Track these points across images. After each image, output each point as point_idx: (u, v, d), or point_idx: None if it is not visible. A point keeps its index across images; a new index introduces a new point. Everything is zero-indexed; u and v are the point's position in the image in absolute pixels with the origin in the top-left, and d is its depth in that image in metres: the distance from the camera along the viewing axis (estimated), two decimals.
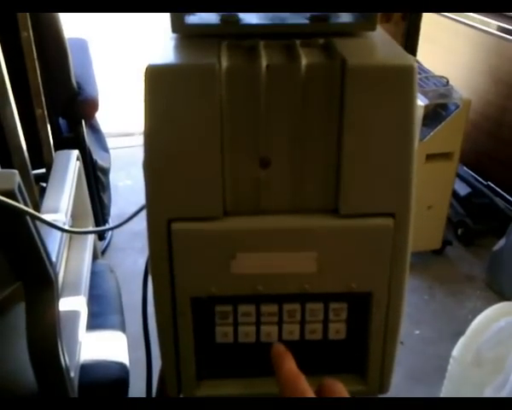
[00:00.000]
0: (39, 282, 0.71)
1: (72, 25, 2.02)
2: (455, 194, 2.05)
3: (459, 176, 2.09)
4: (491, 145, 2.21)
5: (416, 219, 0.37)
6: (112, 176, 1.96)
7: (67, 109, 1.64)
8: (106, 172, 1.86)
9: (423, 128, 1.77)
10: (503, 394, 0.93)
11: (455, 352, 1.08)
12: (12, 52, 1.17)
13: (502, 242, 1.82)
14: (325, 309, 0.39)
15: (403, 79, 0.34)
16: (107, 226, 1.82)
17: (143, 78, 0.33)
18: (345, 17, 0.38)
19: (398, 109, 0.34)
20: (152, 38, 0.40)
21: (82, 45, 1.96)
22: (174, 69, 0.34)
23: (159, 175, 0.35)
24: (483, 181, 2.20)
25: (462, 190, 2.13)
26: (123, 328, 1.02)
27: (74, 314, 0.89)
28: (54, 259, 0.74)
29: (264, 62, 0.33)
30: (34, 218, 0.64)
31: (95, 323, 0.98)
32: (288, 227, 0.36)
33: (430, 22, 2.22)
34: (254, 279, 0.37)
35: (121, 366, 0.92)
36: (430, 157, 1.78)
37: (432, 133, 1.76)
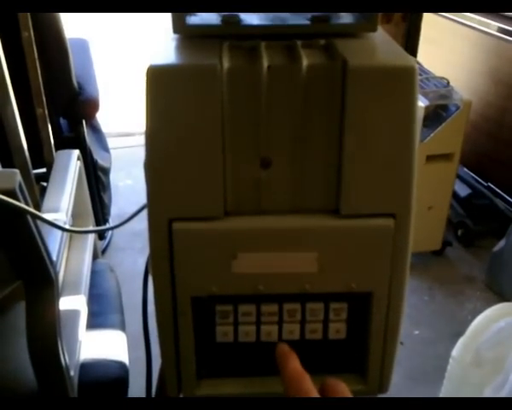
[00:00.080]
0: (40, 281, 0.71)
1: (72, 25, 2.02)
2: (455, 195, 2.05)
3: (459, 177, 2.09)
4: (491, 146, 2.21)
5: (417, 219, 0.37)
6: (112, 176, 1.96)
7: (68, 109, 1.64)
8: (106, 171, 1.86)
9: (424, 129, 1.77)
10: (503, 394, 0.93)
11: (454, 352, 1.08)
12: (13, 52, 1.17)
13: (502, 243, 1.82)
14: (325, 309, 0.39)
15: (403, 79, 0.34)
16: (107, 226, 1.82)
17: (145, 78, 0.33)
18: (346, 18, 0.38)
19: (398, 110, 0.34)
20: (153, 39, 0.40)
21: (83, 45, 1.97)
22: (175, 70, 0.34)
23: (160, 175, 0.35)
24: (483, 182, 2.20)
25: (463, 191, 2.13)
26: (123, 327, 1.02)
27: (74, 313, 0.89)
28: (54, 258, 0.74)
29: (265, 63, 0.34)
30: (35, 217, 0.64)
31: (95, 322, 0.98)
32: (288, 227, 0.36)
33: (430, 23, 2.22)
34: (255, 279, 0.37)
35: (121, 365, 0.92)
36: (430, 158, 1.78)
37: (432, 134, 1.76)
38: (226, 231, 0.36)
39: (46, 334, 0.72)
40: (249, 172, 0.36)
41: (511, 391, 0.91)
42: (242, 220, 0.36)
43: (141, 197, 0.39)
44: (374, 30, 0.38)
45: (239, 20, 0.37)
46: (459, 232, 2.09)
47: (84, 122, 1.68)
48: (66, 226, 0.87)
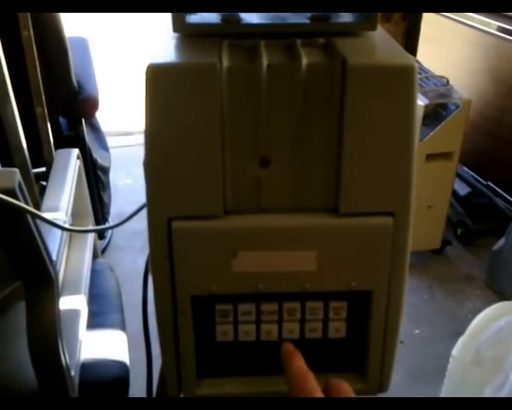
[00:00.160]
0: (40, 281, 0.71)
1: (72, 24, 2.02)
2: (455, 194, 2.05)
3: (459, 176, 2.10)
4: (490, 145, 2.21)
5: (416, 218, 0.37)
6: (112, 175, 1.96)
7: (68, 108, 1.64)
8: (106, 171, 1.86)
9: (423, 128, 1.77)
10: (503, 393, 0.93)
11: (454, 351, 1.08)
12: (13, 51, 1.17)
13: (501, 241, 1.82)
14: (325, 308, 0.39)
15: (403, 78, 0.34)
16: (107, 225, 1.82)
17: (144, 77, 0.33)
18: (345, 17, 0.38)
19: (398, 109, 0.34)
20: (153, 38, 0.40)
21: (82, 44, 1.96)
22: (175, 68, 0.34)
23: (159, 174, 0.35)
24: (483, 181, 2.20)
25: (462, 189, 2.13)
26: (123, 327, 1.02)
27: (74, 313, 0.89)
28: (54, 257, 0.74)
29: (264, 62, 0.34)
30: (34, 216, 0.64)
31: (95, 322, 0.98)
32: (288, 226, 0.36)
33: (430, 22, 2.22)
34: (255, 278, 0.37)
35: (121, 364, 0.93)
36: (430, 157, 1.78)
37: (432, 133, 1.76)
38: (226, 230, 0.36)
39: (46, 334, 0.72)
40: (249, 171, 0.36)
41: (511, 390, 0.91)
42: (242, 219, 0.36)
43: (140, 196, 0.39)
44: (373, 29, 0.38)
45: (239, 19, 0.37)
46: (459, 231, 2.10)
47: (83, 121, 1.68)
48: (66, 226, 0.87)
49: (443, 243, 2.00)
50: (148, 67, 0.33)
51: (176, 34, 0.37)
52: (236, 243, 0.36)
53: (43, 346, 0.72)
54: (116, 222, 0.77)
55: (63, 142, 1.49)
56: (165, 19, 0.38)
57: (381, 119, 0.34)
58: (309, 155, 0.36)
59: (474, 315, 1.11)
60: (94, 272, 1.08)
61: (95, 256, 1.12)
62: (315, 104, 0.34)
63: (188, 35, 0.37)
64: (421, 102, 1.70)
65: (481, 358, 1.02)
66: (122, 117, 2.92)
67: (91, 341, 0.93)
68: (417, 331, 1.71)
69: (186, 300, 0.38)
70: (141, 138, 0.35)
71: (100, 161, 1.77)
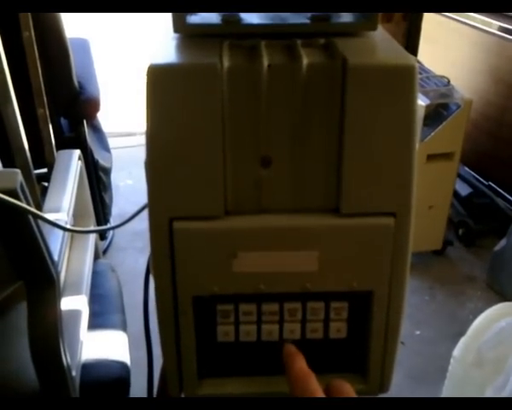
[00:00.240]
0: (41, 281, 0.71)
1: (73, 25, 2.02)
2: (456, 194, 2.05)
3: (460, 176, 2.09)
4: (491, 145, 2.21)
5: (417, 219, 0.37)
6: (113, 176, 1.96)
7: (69, 109, 1.65)
8: (107, 171, 1.86)
9: (424, 128, 1.77)
10: (504, 394, 0.93)
11: (456, 352, 1.08)
12: (14, 52, 1.17)
13: (503, 242, 1.82)
14: (326, 308, 0.39)
15: (404, 78, 0.34)
16: (108, 226, 1.82)
17: (145, 77, 0.34)
18: (346, 17, 0.38)
19: (398, 109, 0.34)
20: (153, 38, 0.40)
21: (83, 45, 1.97)
22: (176, 69, 0.34)
23: (160, 174, 0.35)
24: (484, 181, 2.20)
25: (463, 190, 2.13)
26: (124, 327, 1.03)
27: (76, 314, 0.89)
28: (56, 258, 0.74)
29: (265, 62, 0.34)
30: (36, 217, 0.64)
31: (96, 322, 0.98)
32: (289, 226, 0.36)
33: (431, 22, 2.22)
34: (256, 278, 0.37)
35: (122, 365, 0.93)
36: (431, 157, 1.78)
37: (433, 133, 1.76)
38: (227, 231, 0.36)
39: (48, 334, 0.72)
40: (249, 172, 0.36)
41: None
42: (243, 219, 0.36)
43: (141, 197, 0.39)
44: (374, 29, 0.38)
45: (239, 20, 0.37)
46: (460, 232, 2.09)
47: (84, 122, 1.68)
48: (68, 226, 0.87)
49: (444, 244, 2.00)
50: (148, 68, 0.33)
51: (176, 35, 0.37)
52: (237, 244, 0.36)
53: (44, 346, 0.72)
54: (117, 223, 0.77)
55: (64, 143, 1.50)
56: (165, 19, 0.38)
57: (381, 119, 0.34)
58: (310, 155, 0.36)
59: (475, 316, 1.11)
60: (95, 273, 1.08)
61: (96, 257, 1.13)
62: (315, 104, 0.34)
63: (188, 35, 0.37)
64: (422, 102, 1.70)
65: (482, 359, 1.02)
66: (123, 118, 2.92)
67: (92, 341, 0.93)
68: (418, 332, 1.70)
69: (187, 300, 0.38)
70: (142, 139, 0.35)
71: (101, 161, 1.78)
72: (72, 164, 1.05)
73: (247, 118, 0.35)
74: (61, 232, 0.84)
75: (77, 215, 1.03)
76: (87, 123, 1.70)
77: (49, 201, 0.95)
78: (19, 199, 0.60)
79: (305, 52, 0.34)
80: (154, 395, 0.52)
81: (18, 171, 0.62)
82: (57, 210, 0.92)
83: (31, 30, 1.23)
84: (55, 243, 0.81)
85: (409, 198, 0.36)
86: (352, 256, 0.37)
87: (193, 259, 0.37)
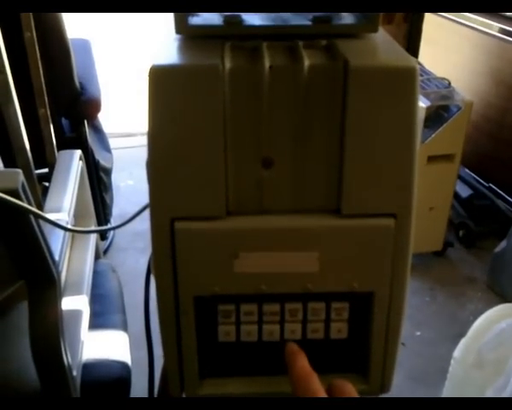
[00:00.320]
0: (42, 281, 0.72)
1: (75, 25, 2.02)
2: (456, 196, 2.05)
3: (460, 178, 2.09)
4: (492, 147, 2.21)
5: (418, 220, 0.37)
6: (114, 176, 1.97)
7: (70, 109, 1.65)
8: (108, 172, 1.86)
9: (425, 130, 1.77)
10: (504, 395, 0.93)
11: (456, 353, 1.08)
12: (15, 52, 1.18)
13: (503, 243, 1.82)
14: (327, 309, 0.39)
15: (405, 80, 0.34)
16: (109, 226, 1.82)
17: (147, 78, 0.34)
18: (347, 19, 0.38)
19: (399, 111, 0.34)
20: (155, 39, 0.40)
21: (85, 46, 1.97)
22: (178, 70, 0.34)
23: (162, 175, 0.35)
24: (484, 183, 2.20)
25: (464, 191, 2.13)
26: (125, 327, 1.03)
27: (76, 313, 0.89)
28: (57, 258, 0.75)
29: (267, 63, 0.34)
30: (37, 217, 0.64)
31: (97, 322, 0.98)
32: (290, 227, 0.37)
33: (432, 24, 2.22)
34: (257, 278, 0.37)
35: (123, 365, 0.93)
36: (432, 159, 1.78)
37: (433, 135, 1.77)
38: (228, 231, 0.36)
39: (49, 334, 0.72)
40: (251, 172, 0.36)
41: None
42: (244, 220, 0.36)
43: (142, 198, 0.39)
44: (375, 31, 0.38)
45: (241, 21, 0.37)
46: (460, 233, 2.09)
47: (85, 122, 1.68)
48: (69, 226, 0.88)
49: (444, 245, 2.00)
50: (151, 69, 0.34)
51: (178, 36, 0.37)
52: (239, 244, 0.37)
53: (45, 346, 0.72)
54: (118, 223, 0.77)
55: (66, 143, 1.50)
56: (167, 20, 0.38)
57: (382, 120, 0.34)
58: (311, 156, 0.36)
59: (475, 317, 1.11)
60: (96, 273, 1.08)
61: (97, 257, 1.13)
62: (317, 106, 0.35)
63: (190, 37, 0.38)
64: (422, 104, 1.70)
65: (483, 360, 1.02)
66: (124, 118, 2.92)
67: (93, 341, 0.93)
68: (419, 333, 1.70)
69: (188, 300, 0.38)
70: (143, 140, 0.35)
71: (102, 162, 1.78)
72: (73, 164, 1.05)
73: (249, 119, 0.35)
74: (61, 232, 0.84)
75: (78, 215, 1.03)
76: (88, 123, 1.71)
77: (50, 201, 0.95)
78: (20, 199, 0.60)
79: (307, 53, 0.34)
80: (155, 395, 0.52)
81: (19, 171, 0.62)
82: (58, 210, 0.92)
83: (32, 30, 1.24)
84: (56, 242, 0.81)
85: (409, 199, 0.36)
86: (352, 257, 0.37)
87: (194, 259, 0.37)
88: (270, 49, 0.35)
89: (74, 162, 1.06)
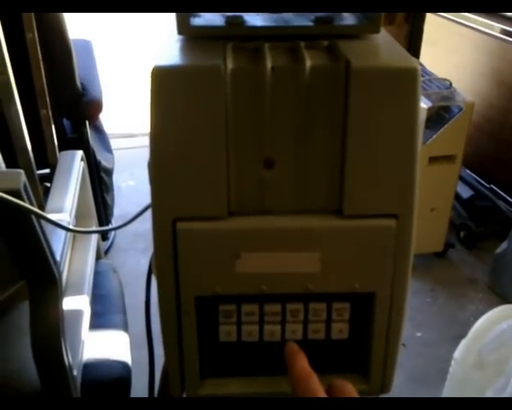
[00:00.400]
0: (43, 281, 0.72)
1: (76, 26, 2.03)
2: (457, 196, 2.05)
3: (462, 179, 2.09)
4: (493, 148, 2.21)
5: (419, 221, 0.37)
6: (115, 177, 1.97)
7: (72, 110, 1.65)
8: (109, 172, 1.86)
9: (426, 131, 1.77)
10: (504, 396, 0.93)
11: (456, 354, 1.08)
12: (17, 53, 1.18)
13: (504, 245, 1.82)
14: (328, 309, 0.39)
15: (406, 81, 0.34)
16: (110, 226, 1.82)
17: (150, 79, 0.34)
18: (349, 19, 0.38)
19: (401, 111, 0.34)
20: (156, 40, 0.40)
21: (86, 46, 1.97)
22: (180, 70, 0.34)
23: (164, 175, 0.35)
24: (486, 184, 2.20)
25: (465, 192, 2.13)
26: (125, 327, 1.03)
27: (77, 313, 0.89)
28: (58, 258, 0.75)
29: (268, 64, 0.34)
30: (39, 217, 0.64)
31: (97, 322, 0.98)
32: (291, 227, 0.37)
33: (433, 25, 2.22)
34: (258, 279, 0.37)
35: (124, 365, 0.93)
36: (433, 160, 1.78)
37: (435, 136, 1.76)
38: (230, 231, 0.36)
39: (50, 334, 0.72)
40: (253, 173, 0.36)
41: None
42: (246, 220, 0.37)
43: (143, 198, 0.39)
44: (377, 31, 0.38)
45: (243, 22, 0.37)
46: (461, 234, 2.09)
47: (87, 123, 1.68)
48: (70, 227, 0.88)
49: (446, 246, 2.00)
50: (153, 70, 0.34)
51: (180, 36, 0.38)
52: (240, 245, 0.37)
53: (46, 346, 0.72)
54: (119, 224, 0.77)
55: (67, 144, 1.50)
56: (169, 21, 0.38)
57: (384, 121, 0.34)
58: (312, 156, 0.36)
59: (476, 318, 1.11)
60: (97, 273, 1.08)
61: (98, 257, 1.13)
62: (318, 106, 0.35)
63: (192, 37, 0.38)
64: (424, 104, 1.70)
65: (483, 361, 1.02)
66: (125, 119, 2.92)
67: (94, 341, 0.93)
68: (419, 334, 1.70)
69: (190, 300, 0.38)
70: (144, 140, 0.35)
71: (103, 162, 1.78)
72: (74, 165, 1.05)
73: (251, 119, 0.35)
74: (63, 233, 0.84)
75: (79, 216, 1.03)
76: (89, 124, 1.71)
77: (52, 201, 0.96)
78: (22, 199, 0.60)
79: (309, 54, 0.35)
80: (156, 395, 0.52)
81: (21, 171, 0.62)
82: (59, 210, 0.92)
83: (34, 31, 1.24)
84: (58, 243, 0.81)
85: (411, 200, 0.36)
86: (354, 258, 0.37)
87: (196, 259, 0.37)
88: (271, 50, 0.35)
89: (76, 163, 1.06)
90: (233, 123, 0.35)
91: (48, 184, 1.30)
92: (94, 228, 1.12)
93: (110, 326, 1.01)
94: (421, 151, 0.36)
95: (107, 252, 1.95)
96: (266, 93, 0.34)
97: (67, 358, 0.74)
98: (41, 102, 1.31)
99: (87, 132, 1.68)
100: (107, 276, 1.14)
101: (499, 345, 1.02)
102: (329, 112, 0.35)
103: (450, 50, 2.32)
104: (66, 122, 1.68)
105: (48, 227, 0.69)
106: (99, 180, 1.76)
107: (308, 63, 0.34)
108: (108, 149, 1.95)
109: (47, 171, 1.41)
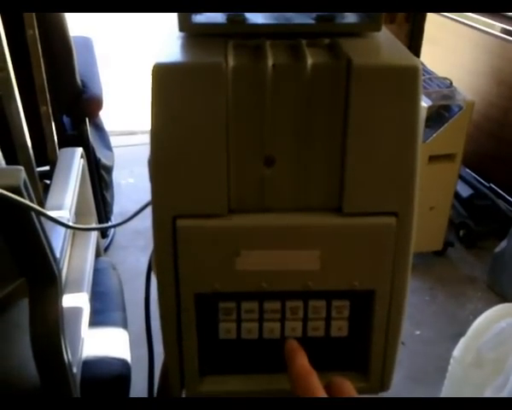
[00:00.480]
0: (43, 278, 0.72)
1: (77, 23, 2.02)
2: (457, 195, 2.05)
3: (461, 177, 2.09)
4: (493, 147, 2.21)
5: (418, 220, 0.37)
6: (114, 174, 1.97)
7: (72, 107, 1.65)
8: (109, 170, 1.86)
9: (426, 129, 1.77)
10: (503, 395, 0.94)
11: (455, 352, 1.08)
12: (17, 50, 1.18)
13: (503, 243, 1.82)
14: (328, 307, 0.39)
15: (407, 79, 0.34)
16: (109, 224, 1.82)
17: (150, 76, 0.34)
18: (350, 17, 0.38)
19: (402, 109, 0.34)
20: (157, 37, 0.40)
21: (87, 44, 1.97)
22: (181, 68, 0.34)
23: (164, 172, 0.35)
24: (485, 183, 2.20)
25: (465, 191, 2.13)
26: (125, 325, 1.03)
27: (77, 311, 0.89)
28: (58, 255, 0.75)
29: (270, 62, 0.34)
30: (39, 214, 0.64)
31: (97, 319, 0.98)
32: (291, 225, 0.37)
33: (434, 24, 2.22)
34: (258, 276, 0.37)
35: (123, 362, 0.93)
36: (433, 158, 1.78)
37: (435, 135, 1.76)
38: (230, 229, 0.36)
39: (49, 331, 0.72)
40: (253, 170, 0.36)
41: None
42: (246, 218, 0.37)
43: (143, 196, 0.39)
44: (378, 29, 0.38)
45: (244, 19, 0.37)
46: (461, 233, 2.09)
47: (87, 120, 1.68)
48: (70, 224, 0.88)
49: (445, 245, 2.00)
50: (154, 67, 0.34)
51: (181, 33, 0.38)
52: (240, 242, 0.37)
53: (45, 343, 0.72)
54: (119, 221, 0.77)
55: (67, 141, 1.50)
56: (169, 18, 0.38)
57: (385, 119, 0.34)
58: (313, 154, 0.36)
59: (475, 317, 1.11)
60: (96, 271, 1.08)
61: (97, 255, 1.13)
62: (319, 104, 0.35)
63: (193, 34, 0.38)
64: (424, 103, 1.70)
65: (482, 359, 1.02)
66: (125, 117, 2.92)
67: (93, 338, 0.93)
68: (418, 332, 1.71)
69: (189, 297, 0.38)
70: (144, 138, 0.35)
71: (103, 160, 1.78)
72: (74, 162, 1.05)
73: (252, 117, 0.35)
74: (63, 230, 0.84)
75: (79, 213, 1.03)
76: (89, 121, 1.71)
77: (52, 198, 0.96)
78: (22, 196, 0.60)
79: (310, 52, 0.35)
80: (155, 393, 0.53)
81: (21, 168, 0.62)
82: (59, 208, 0.92)
83: (35, 28, 1.24)
84: (57, 240, 0.81)
85: (411, 198, 0.36)
86: (353, 255, 0.37)
87: (196, 256, 0.37)
88: (273, 48, 0.35)
89: (75, 160, 1.06)
90: (234, 120, 0.35)
91: (48, 182, 1.30)
92: (93, 225, 1.12)
93: (110, 324, 1.01)
94: (421, 150, 0.36)
95: (106, 249, 1.95)
96: (267, 91, 0.34)
97: (67, 355, 0.74)
98: (41, 99, 1.31)
99: (87, 130, 1.68)
100: (107, 273, 1.14)
101: (498, 343, 1.02)
102: (330, 110, 0.35)
103: (451, 49, 2.32)
104: (66, 119, 1.68)
105: (47, 224, 0.69)
106: (99, 178, 1.76)
107: (309, 61, 0.34)
108: (108, 147, 1.95)
109: (47, 168, 1.41)
